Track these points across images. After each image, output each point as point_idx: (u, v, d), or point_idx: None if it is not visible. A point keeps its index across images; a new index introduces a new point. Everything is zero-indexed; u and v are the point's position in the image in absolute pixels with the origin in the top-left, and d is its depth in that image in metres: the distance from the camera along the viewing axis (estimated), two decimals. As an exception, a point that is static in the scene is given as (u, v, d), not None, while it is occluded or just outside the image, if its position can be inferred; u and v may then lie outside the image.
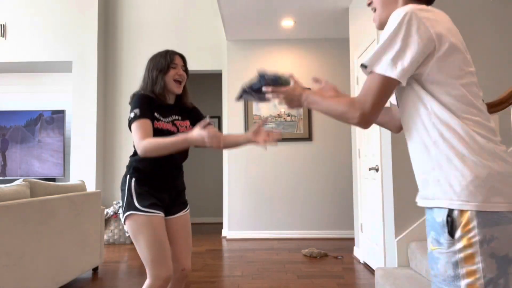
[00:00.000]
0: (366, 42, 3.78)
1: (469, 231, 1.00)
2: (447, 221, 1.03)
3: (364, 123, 1.12)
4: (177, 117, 2.00)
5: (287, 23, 4.92)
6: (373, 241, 3.63)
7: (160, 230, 1.85)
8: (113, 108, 5.75)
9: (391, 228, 3.17)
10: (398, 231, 3.12)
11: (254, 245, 4.93)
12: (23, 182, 2.87)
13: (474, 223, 1.00)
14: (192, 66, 5.73)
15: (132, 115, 1.85)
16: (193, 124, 2.05)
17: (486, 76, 3.25)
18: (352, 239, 5.16)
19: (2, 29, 5.51)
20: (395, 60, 1.07)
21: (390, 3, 1.24)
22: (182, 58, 2.01)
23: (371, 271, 3.67)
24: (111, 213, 5.13)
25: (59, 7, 5.54)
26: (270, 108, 5.48)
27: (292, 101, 1.30)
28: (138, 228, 1.83)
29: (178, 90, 1.97)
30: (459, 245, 1.01)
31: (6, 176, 5.46)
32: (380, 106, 1.11)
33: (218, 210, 7.06)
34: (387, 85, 1.09)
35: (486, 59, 3.26)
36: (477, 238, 1.00)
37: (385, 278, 2.76)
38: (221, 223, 6.91)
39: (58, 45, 5.51)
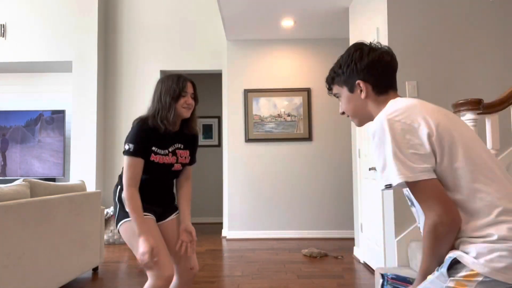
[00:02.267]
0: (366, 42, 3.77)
1: (470, 281, 1.05)
2: (455, 261, 1.08)
3: (452, 217, 1.09)
4: (179, 145, 2.01)
5: (287, 23, 4.92)
6: (373, 241, 3.63)
7: (154, 230, 1.88)
8: (113, 108, 5.75)
9: (391, 228, 3.17)
10: (398, 231, 3.12)
11: (254, 245, 4.93)
12: (23, 182, 2.87)
13: (479, 278, 1.04)
14: (192, 66, 5.73)
15: (126, 147, 1.86)
16: (191, 154, 2.09)
17: (486, 76, 3.25)
18: (352, 239, 5.16)
19: (2, 29, 5.51)
20: (411, 165, 1.11)
21: (360, 108, 1.32)
22: (193, 85, 1.98)
23: (371, 271, 3.67)
24: (111, 213, 5.13)
25: (59, 7, 5.54)
26: (269, 107, 5.48)
27: None
28: (132, 233, 1.84)
29: (187, 114, 1.94)
30: (451, 284, 1.06)
31: (6, 176, 5.46)
32: (445, 197, 1.11)
33: (218, 210, 7.06)
34: (423, 185, 1.11)
35: (486, 59, 3.26)
36: None
37: (385, 278, 2.76)
38: (221, 223, 6.91)
39: (58, 45, 5.50)
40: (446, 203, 1.09)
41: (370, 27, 3.67)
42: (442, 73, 3.23)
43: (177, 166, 2.01)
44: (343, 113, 1.37)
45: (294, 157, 5.46)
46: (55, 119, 5.49)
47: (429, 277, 1.13)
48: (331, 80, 1.37)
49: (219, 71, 5.82)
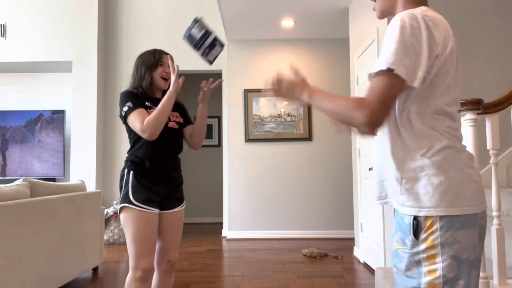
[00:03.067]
0: (366, 42, 3.78)
1: (432, 233, 1.05)
2: (413, 224, 1.08)
3: (372, 124, 1.04)
4: None
5: (287, 23, 4.92)
6: (373, 241, 3.63)
7: (148, 225, 1.92)
8: (113, 108, 5.75)
9: (391, 228, 3.17)
10: (398, 231, 3.12)
11: (254, 245, 4.93)
12: (23, 182, 2.87)
13: (437, 225, 1.05)
14: (192, 66, 5.73)
15: (125, 108, 1.94)
16: (182, 115, 2.16)
17: (486, 76, 3.25)
18: (352, 239, 5.16)
19: (2, 29, 5.51)
20: (401, 61, 1.04)
21: None
22: (170, 57, 2.10)
23: (371, 271, 3.67)
24: (111, 213, 5.13)
25: (59, 7, 5.54)
26: (269, 107, 5.48)
27: (292, 92, 1.21)
28: (128, 220, 1.92)
29: (164, 86, 2.08)
30: (422, 246, 1.06)
31: (6, 176, 5.46)
32: (388, 107, 1.05)
33: (218, 210, 7.06)
34: (394, 84, 1.05)
35: (486, 59, 3.26)
36: (439, 240, 1.04)
37: (385, 278, 2.76)
38: (221, 223, 6.91)
39: (58, 45, 5.51)
40: (382, 110, 1.03)
41: (370, 27, 3.67)
42: (442, 73, 3.22)
43: (172, 124, 2.06)
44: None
45: (294, 157, 5.46)
46: (55, 119, 5.49)
47: (402, 251, 1.11)
48: None
49: (219, 71, 5.82)
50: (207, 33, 1.89)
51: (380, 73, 1.05)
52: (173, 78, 1.91)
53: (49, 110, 5.51)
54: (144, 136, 1.88)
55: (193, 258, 4.30)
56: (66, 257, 3.10)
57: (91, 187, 5.37)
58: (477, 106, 2.28)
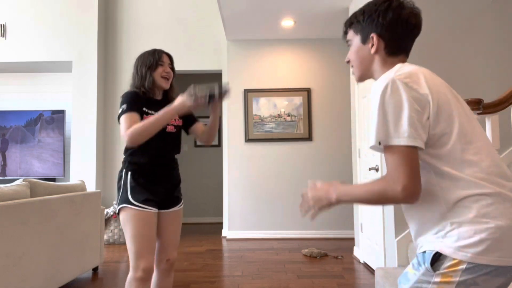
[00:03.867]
0: (366, 42, 3.78)
1: (454, 271, 1.02)
2: (435, 255, 1.05)
3: (412, 195, 1.03)
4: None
5: (287, 23, 4.92)
6: (373, 241, 3.63)
7: (147, 225, 1.93)
8: (113, 108, 5.75)
9: (391, 228, 3.17)
10: (398, 231, 3.12)
11: (254, 245, 4.93)
12: (23, 182, 2.87)
13: (462, 266, 1.01)
14: (192, 66, 5.73)
15: (120, 110, 1.94)
16: (181, 117, 2.14)
17: (486, 76, 3.25)
18: (352, 239, 5.16)
19: (2, 29, 5.51)
20: (401, 128, 1.05)
21: (366, 61, 1.26)
22: (169, 57, 2.12)
23: (371, 271, 3.67)
24: (111, 213, 5.13)
25: (59, 7, 5.54)
26: (269, 107, 5.48)
27: (321, 202, 1.20)
28: (127, 220, 1.92)
29: (166, 85, 2.07)
30: (437, 279, 1.03)
31: (6, 176, 5.46)
32: (417, 173, 1.05)
33: (218, 210, 7.06)
34: (409, 154, 1.05)
35: (486, 59, 3.26)
36: (457, 279, 1.01)
37: (385, 278, 2.76)
38: (221, 223, 6.91)
39: (58, 45, 5.51)
40: (414, 179, 1.03)
41: (370, 27, 3.67)
42: (442, 72, 3.23)
43: (170, 128, 2.05)
44: (349, 61, 1.32)
45: (294, 157, 5.46)
46: (55, 119, 5.49)
47: (412, 275, 1.09)
48: (349, 24, 1.31)
49: (219, 71, 5.82)
50: (211, 95, 1.84)
51: (388, 149, 1.07)
52: (183, 98, 1.84)
53: (49, 110, 5.51)
54: (125, 141, 1.86)
55: (193, 258, 4.30)
56: (66, 257, 3.10)
57: (91, 187, 5.37)
58: (477, 106, 2.28)
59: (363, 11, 1.26)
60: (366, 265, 3.86)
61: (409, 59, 3.33)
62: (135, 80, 2.06)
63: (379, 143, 1.08)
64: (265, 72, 5.53)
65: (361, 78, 1.30)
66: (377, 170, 3.46)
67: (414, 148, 1.05)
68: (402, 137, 1.04)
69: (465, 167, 1.07)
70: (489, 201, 1.04)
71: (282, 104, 5.47)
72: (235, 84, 5.53)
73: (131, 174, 1.97)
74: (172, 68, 2.11)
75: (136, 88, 2.02)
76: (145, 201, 1.94)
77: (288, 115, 5.47)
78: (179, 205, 2.12)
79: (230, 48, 5.54)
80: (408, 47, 1.25)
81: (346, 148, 5.45)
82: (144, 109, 1.98)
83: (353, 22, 1.29)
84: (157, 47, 6.09)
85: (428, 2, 3.26)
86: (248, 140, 5.45)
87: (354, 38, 1.29)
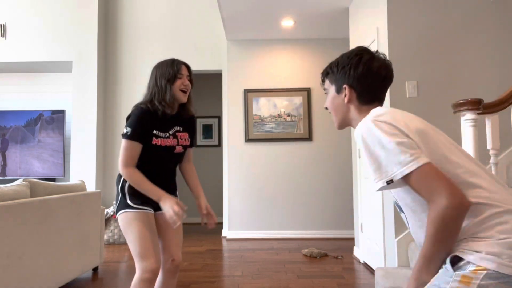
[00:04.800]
0: (366, 42, 3.78)
1: (476, 274, 1.04)
2: (457, 259, 1.08)
3: (460, 198, 1.05)
4: (179, 128, 2.06)
5: (287, 23, 4.92)
6: (373, 241, 3.63)
7: (148, 225, 1.93)
8: (113, 108, 5.75)
9: (391, 228, 3.17)
10: (398, 231, 3.12)
11: (254, 245, 4.93)
12: (23, 182, 2.87)
13: (485, 272, 1.03)
14: (192, 66, 5.72)
15: (125, 131, 1.91)
16: (191, 136, 2.13)
17: (486, 76, 3.25)
18: (352, 239, 5.16)
19: (2, 29, 5.51)
20: (402, 156, 1.10)
21: (341, 110, 1.34)
22: (188, 67, 2.04)
23: (371, 271, 3.67)
24: (111, 213, 5.13)
25: (59, 7, 5.54)
26: (269, 107, 5.48)
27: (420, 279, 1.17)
28: (128, 223, 1.92)
29: (184, 99, 2.00)
30: (457, 278, 1.05)
31: (6, 176, 5.46)
32: (448, 180, 1.08)
33: (218, 210, 7.06)
34: (428, 169, 1.08)
35: (486, 59, 3.26)
36: (478, 282, 1.03)
37: (385, 278, 2.76)
38: (221, 223, 6.91)
39: (58, 45, 5.51)
40: (452, 185, 1.06)
41: (370, 27, 3.67)
42: (442, 73, 3.23)
43: (179, 149, 2.05)
44: (327, 108, 1.40)
45: (294, 157, 5.46)
46: (55, 119, 5.49)
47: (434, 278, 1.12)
48: (325, 74, 1.40)
49: (219, 71, 5.82)
50: None
51: (407, 178, 1.10)
52: (169, 207, 1.81)
53: (49, 110, 5.51)
54: (119, 169, 1.91)
55: (193, 258, 4.31)
56: (66, 257, 3.10)
57: (91, 187, 5.37)
58: (477, 106, 2.28)
59: (337, 62, 1.35)
60: (366, 265, 3.86)
61: (410, 59, 3.34)
62: (153, 92, 1.96)
63: (391, 181, 1.11)
64: (265, 72, 5.53)
65: (340, 126, 1.38)
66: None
67: (427, 164, 1.09)
68: (410, 162, 1.09)
69: (468, 189, 1.11)
70: (504, 219, 1.08)
71: (282, 104, 5.47)
72: (235, 84, 5.53)
73: (128, 183, 1.97)
74: (191, 80, 2.04)
75: (157, 102, 1.93)
76: (143, 203, 1.95)
77: (288, 115, 5.47)
78: None
79: (230, 48, 5.54)
80: (381, 96, 1.32)
81: (346, 148, 5.45)
82: (154, 132, 1.93)
83: (328, 72, 1.38)
84: (157, 47, 6.07)
85: (428, 2, 3.26)
86: (248, 140, 5.45)
87: (330, 88, 1.38)
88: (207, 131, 7.18)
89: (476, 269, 1.04)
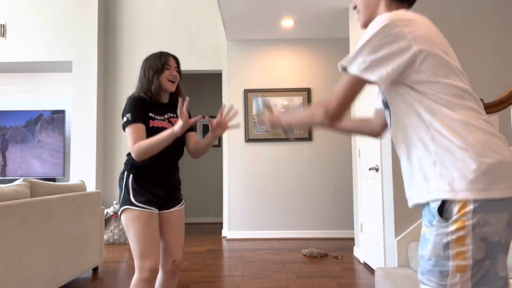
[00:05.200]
0: (366, 42, 3.77)
1: (464, 214, 1.04)
2: (442, 204, 1.07)
3: (329, 119, 1.21)
4: (172, 114, 2.11)
5: (287, 23, 4.92)
6: (373, 241, 3.63)
7: (151, 225, 1.94)
8: (113, 108, 5.75)
9: (391, 228, 3.17)
10: (398, 231, 3.12)
11: (254, 245, 4.93)
12: (23, 182, 2.87)
13: (470, 207, 1.04)
14: (192, 66, 5.73)
15: (124, 119, 1.96)
16: None
17: (486, 76, 3.25)
18: (352, 239, 5.16)
19: (2, 29, 5.51)
20: (372, 63, 1.13)
21: (371, 6, 1.33)
22: (176, 59, 2.12)
23: (371, 271, 3.67)
24: (111, 213, 5.13)
25: (59, 7, 5.54)
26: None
27: (275, 124, 1.54)
28: (130, 221, 1.93)
29: (172, 88, 2.08)
30: (452, 227, 1.05)
31: (6, 176, 5.46)
32: (346, 104, 1.18)
33: (218, 210, 7.06)
34: (356, 85, 1.16)
35: (486, 59, 3.26)
36: (470, 222, 1.03)
37: (385, 278, 2.77)
38: (221, 223, 6.91)
39: (58, 45, 5.51)
40: (346, 109, 1.18)
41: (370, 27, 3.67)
42: (442, 73, 3.22)
43: None
44: (355, 7, 1.39)
45: (294, 157, 5.46)
46: (55, 119, 5.49)
47: (429, 233, 1.10)
48: None
49: (219, 71, 5.82)
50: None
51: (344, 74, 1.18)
52: (180, 122, 1.84)
53: (49, 110, 5.51)
54: (132, 156, 1.91)
55: (193, 258, 4.31)
56: (66, 257, 3.10)
57: (91, 187, 5.37)
58: (477, 106, 2.28)
59: None
60: (366, 265, 3.86)
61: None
62: (142, 84, 2.06)
63: (344, 68, 1.18)
64: (265, 72, 5.53)
65: (366, 24, 1.37)
66: (377, 170, 3.46)
67: (359, 81, 1.15)
68: (361, 70, 1.14)
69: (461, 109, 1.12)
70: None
71: (282, 104, 5.48)
72: (235, 84, 5.53)
73: (133, 177, 1.98)
74: (179, 71, 2.11)
75: (143, 93, 2.02)
76: (147, 202, 1.95)
77: (288, 115, 5.47)
78: (180, 205, 2.12)
79: (230, 48, 5.54)
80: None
81: (346, 148, 5.45)
82: (150, 114, 1.99)
83: None
84: (157, 47, 6.09)
85: (428, 2, 3.26)
86: (248, 140, 5.45)
87: None
88: (207, 131, 7.18)
89: (461, 206, 1.04)
